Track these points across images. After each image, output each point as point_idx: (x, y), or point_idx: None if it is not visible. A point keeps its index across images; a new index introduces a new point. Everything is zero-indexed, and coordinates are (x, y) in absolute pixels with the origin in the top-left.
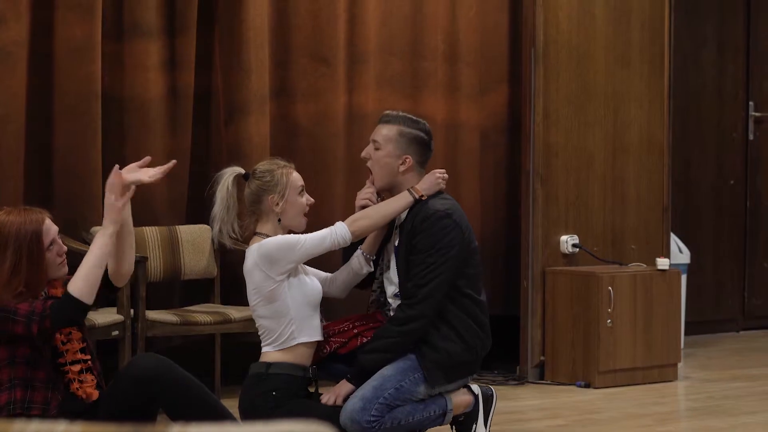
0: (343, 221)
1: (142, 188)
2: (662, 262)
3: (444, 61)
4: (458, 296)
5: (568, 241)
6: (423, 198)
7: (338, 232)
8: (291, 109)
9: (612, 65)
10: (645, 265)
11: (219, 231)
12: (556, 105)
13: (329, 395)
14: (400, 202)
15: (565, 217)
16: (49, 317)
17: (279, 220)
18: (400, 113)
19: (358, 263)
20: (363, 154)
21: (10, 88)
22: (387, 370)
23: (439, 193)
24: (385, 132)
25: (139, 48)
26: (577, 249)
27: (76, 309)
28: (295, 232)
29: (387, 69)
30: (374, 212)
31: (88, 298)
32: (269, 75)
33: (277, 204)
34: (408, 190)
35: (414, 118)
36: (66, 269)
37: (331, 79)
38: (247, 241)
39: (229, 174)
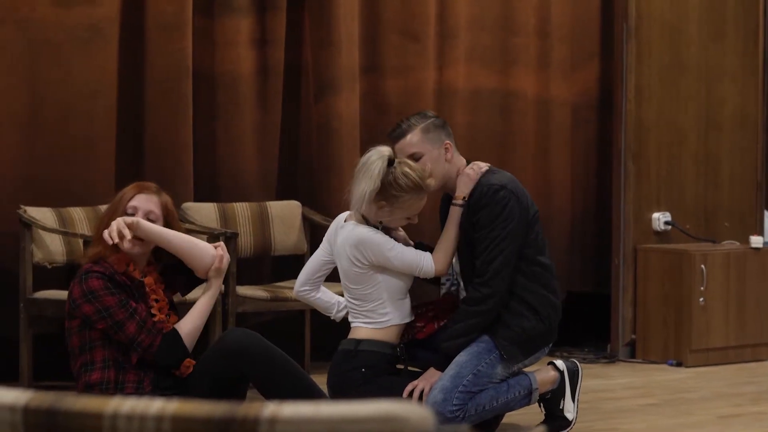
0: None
1: (232, 164)
2: (756, 240)
3: (535, 36)
4: (527, 265)
5: (660, 219)
6: (466, 199)
7: (426, 267)
8: (380, 85)
9: (705, 40)
10: (738, 243)
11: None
12: (648, 80)
13: (421, 383)
14: (456, 218)
15: (657, 193)
16: (153, 354)
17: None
18: (404, 120)
19: (336, 311)
20: None
21: (102, 65)
22: (462, 357)
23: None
24: (410, 141)
25: (230, 24)
26: (669, 226)
27: (183, 355)
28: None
29: (477, 44)
30: (448, 242)
31: (191, 346)
32: (359, 51)
33: (382, 208)
34: (452, 203)
35: (416, 114)
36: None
37: (421, 54)
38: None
39: (385, 154)
